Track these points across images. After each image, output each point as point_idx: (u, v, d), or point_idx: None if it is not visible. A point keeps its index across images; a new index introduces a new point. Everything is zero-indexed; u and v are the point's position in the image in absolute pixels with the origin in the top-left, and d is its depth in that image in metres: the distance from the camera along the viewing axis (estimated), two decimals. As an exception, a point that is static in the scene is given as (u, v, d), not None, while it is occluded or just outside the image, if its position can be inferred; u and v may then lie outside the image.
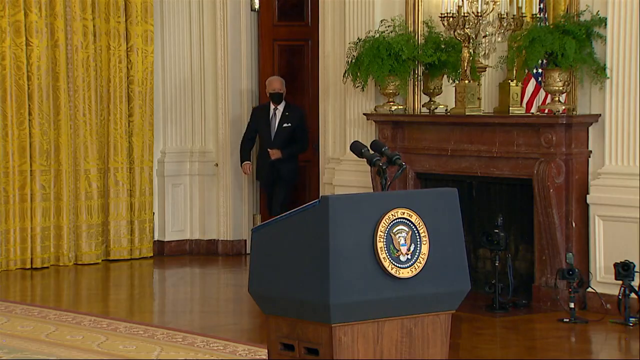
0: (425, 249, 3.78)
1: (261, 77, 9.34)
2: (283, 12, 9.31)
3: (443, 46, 7.60)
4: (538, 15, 7.16)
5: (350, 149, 4.30)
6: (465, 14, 7.19)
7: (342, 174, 8.18)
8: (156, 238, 9.43)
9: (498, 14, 7.21)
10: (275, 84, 8.63)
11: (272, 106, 8.65)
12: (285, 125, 8.59)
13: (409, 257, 3.76)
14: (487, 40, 7.30)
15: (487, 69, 7.51)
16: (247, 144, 8.85)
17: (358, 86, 7.80)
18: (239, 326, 6.66)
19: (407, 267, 3.75)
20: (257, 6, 9.33)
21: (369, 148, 4.24)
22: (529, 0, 7.18)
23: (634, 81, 6.62)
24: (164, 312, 7.48)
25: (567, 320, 6.55)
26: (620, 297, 6.49)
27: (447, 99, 7.72)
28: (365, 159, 4.19)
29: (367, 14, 7.96)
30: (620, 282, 6.49)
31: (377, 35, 7.70)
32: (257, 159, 8.89)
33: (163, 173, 9.45)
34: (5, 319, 6.80)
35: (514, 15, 7.18)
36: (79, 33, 8.91)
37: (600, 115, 6.84)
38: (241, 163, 8.86)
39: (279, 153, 8.58)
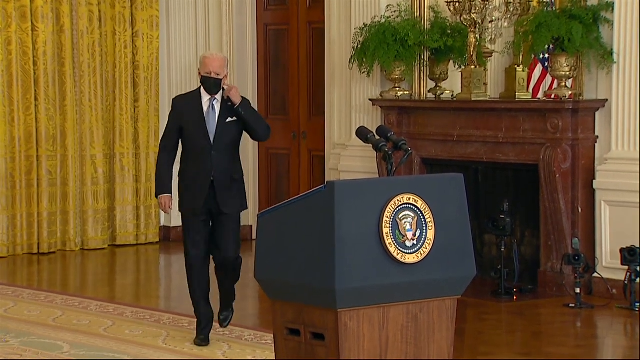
0: (431, 234, 3.78)
1: (258, 64, 9.32)
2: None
3: (449, 31, 7.58)
4: (545, 0, 7.13)
5: (356, 135, 4.30)
6: (472, -1, 7.17)
7: (348, 159, 8.18)
8: (162, 223, 9.45)
9: (504, -1, 7.20)
10: (215, 63, 5.62)
11: (205, 96, 5.67)
12: (229, 120, 5.64)
13: (415, 242, 3.76)
14: (493, 26, 7.28)
15: (493, 54, 7.49)
16: (168, 159, 5.73)
17: (364, 72, 7.79)
18: (244, 311, 6.67)
19: (413, 252, 3.75)
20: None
21: (375, 134, 4.23)
22: (536, -16, 7.16)
23: (641, 66, 6.60)
24: (170, 297, 7.51)
25: (573, 305, 6.55)
26: (626, 282, 6.49)
27: (453, 85, 7.71)
28: (371, 145, 4.18)
29: (373, -1, 7.95)
30: (626, 267, 6.50)
31: (383, 20, 7.68)
32: (184, 176, 5.73)
33: (169, 158, 9.44)
34: (12, 304, 6.83)
35: (520, 0, 7.16)
36: (84, 18, 8.91)
37: (607, 100, 6.82)
38: (159, 193, 5.71)
39: (236, 93, 5.63)
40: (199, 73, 5.69)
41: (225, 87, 5.63)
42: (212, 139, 5.63)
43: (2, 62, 8.59)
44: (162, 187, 5.70)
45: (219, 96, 5.68)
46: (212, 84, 5.62)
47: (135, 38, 9.17)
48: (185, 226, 5.80)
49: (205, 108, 5.67)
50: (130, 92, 9.16)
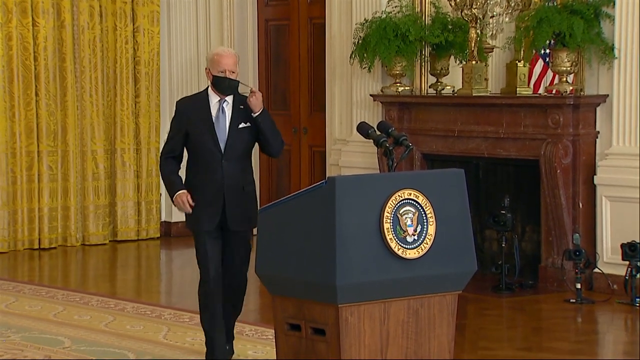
0: (431, 229, 3.78)
1: (259, 60, 9.31)
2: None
3: (450, 27, 7.58)
4: (546, -5, 7.12)
5: (357, 130, 4.30)
6: (473, -6, 7.17)
7: (349, 155, 8.18)
8: (163, 219, 9.45)
9: (505, -6, 7.19)
10: (230, 61, 5.04)
11: (214, 98, 5.07)
12: (242, 125, 5.04)
13: (416, 237, 3.76)
14: (494, 21, 7.27)
15: (494, 49, 7.49)
16: (172, 164, 5.14)
17: (365, 67, 7.79)
18: (245, 306, 6.65)
19: (414, 247, 3.75)
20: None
21: (376, 129, 4.23)
22: (537, -20, 7.15)
23: (642, 62, 6.60)
24: (171, 293, 7.51)
25: (574, 300, 6.56)
26: (626, 277, 6.50)
27: (454, 80, 7.71)
28: (371, 140, 4.18)
29: (374, -6, 7.94)
30: (627, 262, 6.50)
31: (384, 16, 7.68)
32: (190, 189, 5.08)
33: (170, 154, 9.44)
34: (13, 299, 6.84)
35: (521, -4, 7.15)
36: (85, 13, 8.91)
37: (607, 95, 6.82)
38: (173, 193, 5.07)
39: (259, 101, 5.04)
40: (208, 72, 5.04)
41: (250, 90, 5.01)
42: (222, 147, 5.00)
43: (3, 58, 8.59)
44: (173, 187, 5.06)
45: (229, 98, 5.04)
46: (227, 85, 4.99)
47: (136, 33, 9.16)
48: (197, 246, 5.09)
49: (214, 112, 5.02)
50: (131, 88, 9.16)
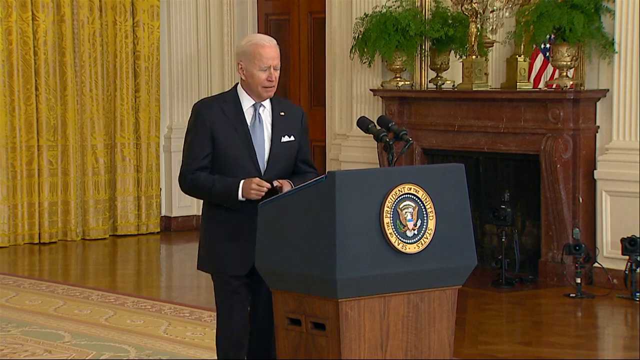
0: (431, 224, 3.78)
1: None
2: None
3: (450, 21, 7.57)
4: (546, -10, 7.11)
5: (357, 125, 4.29)
6: (473, -11, 7.16)
7: (349, 149, 8.18)
8: (163, 214, 9.46)
9: (506, -11, 7.18)
10: (273, 53, 3.89)
11: (247, 100, 3.96)
12: (286, 139, 3.98)
13: (416, 232, 3.76)
14: (494, 15, 7.27)
15: (494, 44, 7.49)
16: (204, 175, 3.98)
17: (365, 62, 7.78)
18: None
19: (414, 242, 3.75)
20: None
21: (376, 124, 4.23)
22: (537, -26, 7.14)
23: (642, 56, 6.59)
24: (171, 287, 7.52)
25: (574, 295, 6.56)
26: (626, 272, 6.50)
27: (454, 75, 7.70)
28: (371, 135, 4.18)
29: (374, -12, 7.94)
30: (627, 257, 6.50)
31: (384, 10, 7.68)
32: (218, 221, 4.01)
33: (170, 149, 9.47)
34: (13, 293, 6.85)
35: (521, -10, 7.15)
36: (85, 8, 8.90)
37: (608, 90, 6.82)
38: (236, 195, 3.91)
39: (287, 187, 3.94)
40: (241, 68, 3.87)
41: (277, 190, 3.91)
42: (262, 166, 3.93)
43: (3, 52, 8.58)
44: (229, 186, 3.87)
45: (267, 102, 3.94)
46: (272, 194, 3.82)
47: (136, 28, 9.16)
48: (221, 293, 4.06)
49: (248, 119, 3.91)
50: (131, 82, 9.16)
